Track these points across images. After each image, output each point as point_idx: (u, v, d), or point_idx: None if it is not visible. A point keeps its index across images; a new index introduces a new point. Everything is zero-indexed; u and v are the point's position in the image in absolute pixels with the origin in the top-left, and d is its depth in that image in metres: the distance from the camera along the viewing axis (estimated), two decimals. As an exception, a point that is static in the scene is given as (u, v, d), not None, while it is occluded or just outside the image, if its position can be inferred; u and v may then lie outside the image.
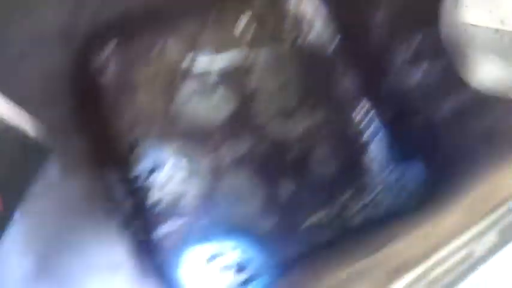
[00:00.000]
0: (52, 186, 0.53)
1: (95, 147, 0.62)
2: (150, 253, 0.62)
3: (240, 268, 0.66)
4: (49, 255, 0.51)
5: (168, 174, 0.67)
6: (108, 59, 0.67)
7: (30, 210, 0.49)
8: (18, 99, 0.42)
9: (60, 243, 0.53)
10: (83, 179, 0.58)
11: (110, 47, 0.67)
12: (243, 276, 0.66)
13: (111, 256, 0.56)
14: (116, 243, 0.58)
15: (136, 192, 0.65)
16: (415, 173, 0.71)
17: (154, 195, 0.65)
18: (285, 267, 0.66)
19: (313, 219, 0.71)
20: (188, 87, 0.70)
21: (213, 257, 0.66)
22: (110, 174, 0.63)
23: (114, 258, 0.56)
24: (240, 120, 0.71)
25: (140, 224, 0.63)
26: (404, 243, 0.57)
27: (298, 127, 0.72)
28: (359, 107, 0.75)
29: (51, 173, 0.54)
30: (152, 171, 0.66)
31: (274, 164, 0.71)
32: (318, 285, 0.61)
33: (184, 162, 0.67)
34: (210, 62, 0.71)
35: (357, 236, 0.73)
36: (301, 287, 0.61)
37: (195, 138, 0.68)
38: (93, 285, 0.54)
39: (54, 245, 0.52)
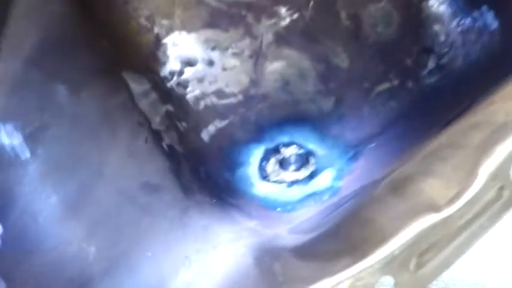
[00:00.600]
0: (62, 111, 0.46)
1: (111, 50, 0.53)
2: (196, 161, 0.54)
3: (301, 163, 0.58)
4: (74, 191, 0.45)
5: (201, 70, 0.58)
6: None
7: (42, 143, 0.43)
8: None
9: (81, 174, 0.46)
10: (99, 94, 0.50)
11: None
12: (305, 171, 0.58)
13: (148, 177, 0.49)
14: (149, 160, 0.50)
15: (168, 95, 0.56)
16: (485, 23, 0.58)
17: (189, 96, 0.57)
18: (355, 152, 0.58)
19: (378, 88, 0.61)
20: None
21: (268, 156, 0.58)
22: (135, 80, 0.55)
23: (152, 178, 0.49)
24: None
25: (179, 132, 0.55)
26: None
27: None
28: None
29: (60, 94, 0.46)
30: (182, 69, 0.57)
31: (322, 33, 0.60)
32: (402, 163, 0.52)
33: (216, 54, 0.58)
34: None
35: (438, 96, 0.62)
36: (380, 170, 0.52)
37: (224, 23, 0.58)
38: (129, 209, 0.47)
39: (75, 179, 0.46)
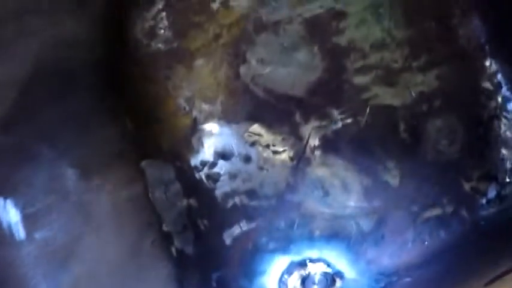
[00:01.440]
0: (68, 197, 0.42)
1: (135, 131, 0.48)
2: (209, 266, 0.49)
3: (326, 284, 0.52)
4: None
5: (236, 165, 0.53)
6: (157, 21, 0.52)
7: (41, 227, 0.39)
8: None
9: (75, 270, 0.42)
10: (111, 184, 0.45)
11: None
12: (331, 295, 0.52)
13: (148, 285, 0.45)
14: (153, 266, 0.46)
15: (195, 188, 0.51)
16: None
17: (218, 192, 0.52)
18: (387, 282, 0.52)
19: (428, 214, 0.54)
20: (259, 48, 0.53)
21: (291, 269, 0.52)
22: (156, 168, 0.50)
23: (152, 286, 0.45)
24: (329, 89, 0.53)
25: (197, 231, 0.50)
26: None
27: (405, 94, 0.54)
28: (487, 59, 0.55)
29: (69, 178, 0.42)
30: (216, 161, 0.52)
31: (376, 144, 0.54)
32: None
33: (255, 150, 0.52)
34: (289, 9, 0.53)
35: (494, 234, 0.55)
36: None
37: (269, 117, 0.53)
38: None
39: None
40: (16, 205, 0.42)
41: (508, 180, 0.56)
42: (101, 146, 0.45)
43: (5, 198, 0.42)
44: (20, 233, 0.42)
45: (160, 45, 0.53)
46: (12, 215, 0.42)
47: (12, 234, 0.42)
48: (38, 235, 0.42)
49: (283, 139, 0.52)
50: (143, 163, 0.48)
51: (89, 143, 0.45)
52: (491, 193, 0.55)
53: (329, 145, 0.53)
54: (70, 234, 0.42)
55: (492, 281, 0.47)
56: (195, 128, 0.52)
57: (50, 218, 0.42)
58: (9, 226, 0.42)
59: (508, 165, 0.56)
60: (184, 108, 0.52)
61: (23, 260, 0.41)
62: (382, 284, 0.52)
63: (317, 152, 0.53)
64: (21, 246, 0.41)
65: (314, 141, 0.53)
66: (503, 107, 0.56)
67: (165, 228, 0.47)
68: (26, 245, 0.42)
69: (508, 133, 0.56)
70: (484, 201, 0.55)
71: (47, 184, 0.43)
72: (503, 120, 0.56)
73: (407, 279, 0.52)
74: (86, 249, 0.43)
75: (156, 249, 0.46)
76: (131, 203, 0.45)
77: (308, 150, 0.53)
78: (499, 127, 0.56)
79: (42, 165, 0.43)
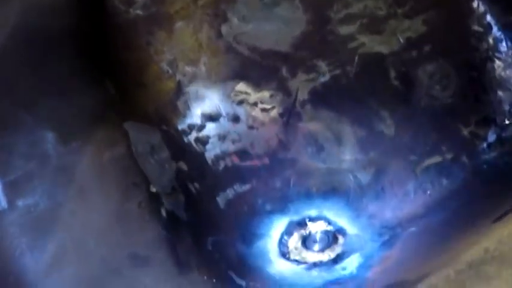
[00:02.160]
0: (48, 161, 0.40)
1: (117, 95, 0.47)
2: (204, 230, 0.47)
3: (328, 242, 0.50)
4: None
5: (225, 126, 0.51)
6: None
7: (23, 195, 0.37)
8: None
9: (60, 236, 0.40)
10: (92, 146, 0.43)
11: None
12: (331, 253, 0.50)
13: (137, 247, 0.43)
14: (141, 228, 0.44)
15: (183, 152, 0.50)
16: None
17: (208, 155, 0.50)
18: (391, 235, 0.50)
19: (427, 162, 0.52)
20: (239, 5, 0.52)
21: (291, 230, 0.50)
22: (141, 132, 0.48)
23: (141, 249, 0.43)
24: (314, 41, 0.52)
25: (189, 195, 0.48)
26: None
27: (393, 40, 0.52)
28: (474, 0, 0.54)
29: (49, 142, 0.40)
30: (203, 124, 0.51)
31: (367, 94, 0.52)
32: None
33: (243, 109, 0.51)
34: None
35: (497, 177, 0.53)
36: (415, 266, 0.44)
37: (255, 75, 0.51)
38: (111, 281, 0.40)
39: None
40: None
41: (507, 122, 0.54)
42: (82, 110, 0.44)
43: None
44: (2, 201, 0.40)
45: (138, 11, 0.52)
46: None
47: (-7, 204, 0.40)
48: (20, 203, 0.40)
49: (271, 96, 0.51)
50: (126, 124, 0.46)
51: (69, 108, 0.44)
52: (491, 137, 0.54)
53: (319, 98, 0.51)
54: (53, 200, 0.41)
55: (500, 218, 0.46)
56: (180, 91, 0.51)
57: (32, 185, 0.40)
58: (-10, 195, 0.41)
59: (506, 107, 0.54)
60: (168, 72, 0.51)
61: (6, 230, 0.40)
62: (386, 237, 0.51)
63: (307, 107, 0.51)
64: (4, 215, 0.40)
65: (303, 96, 0.51)
66: (495, 48, 0.54)
67: (152, 189, 0.45)
68: (8, 214, 0.40)
69: (502, 74, 0.54)
70: (484, 145, 0.54)
71: (27, 150, 0.41)
72: (497, 62, 0.55)
73: (413, 229, 0.50)
74: (70, 214, 0.41)
75: (144, 211, 0.44)
76: (115, 163, 0.44)
77: (298, 105, 0.51)
78: (493, 69, 0.54)
79: (22, 131, 0.42)
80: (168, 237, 0.44)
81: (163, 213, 0.45)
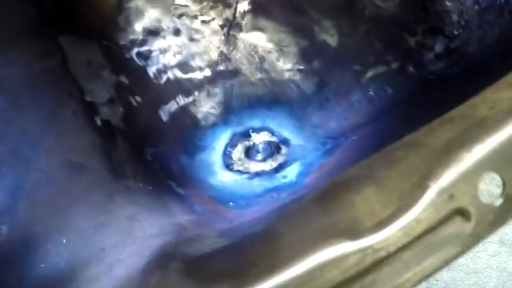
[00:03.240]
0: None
1: (53, 9, 0.47)
2: (144, 141, 0.48)
3: (271, 152, 0.50)
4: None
5: (166, 40, 0.51)
6: None
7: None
8: None
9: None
10: (26, 57, 0.44)
11: None
12: (273, 162, 0.50)
13: (71, 154, 0.43)
14: (75, 135, 0.44)
15: (125, 66, 0.50)
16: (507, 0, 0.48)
17: (150, 68, 0.51)
18: (334, 144, 0.50)
19: (372, 72, 0.52)
20: None
21: (235, 141, 0.51)
22: (79, 47, 0.48)
23: (75, 156, 0.43)
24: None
25: (129, 107, 0.49)
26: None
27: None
28: None
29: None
30: (145, 38, 0.51)
31: (308, 2, 0.52)
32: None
33: (184, 22, 0.51)
34: None
35: (444, 87, 0.53)
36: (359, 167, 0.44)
37: (195, -14, 0.51)
38: (45, 188, 0.41)
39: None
40: None
41: (456, 33, 0.53)
42: (14, 22, 0.44)
43: None
44: None
45: None
46: None
47: None
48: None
49: (211, 7, 0.51)
50: (61, 38, 0.46)
51: (4, 20, 0.44)
52: (439, 47, 0.53)
53: (259, 8, 0.51)
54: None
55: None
56: (120, 6, 0.51)
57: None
58: None
59: (455, 17, 0.53)
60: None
61: None
62: (329, 146, 0.51)
63: (248, 17, 0.51)
64: None
65: (243, 6, 0.51)
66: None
67: (87, 98, 0.46)
68: None
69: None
70: (431, 55, 0.53)
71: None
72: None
73: (354, 137, 0.50)
74: (5, 123, 0.42)
75: (79, 119, 0.44)
76: (47, 74, 0.44)
77: (238, 15, 0.51)
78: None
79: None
80: (103, 144, 0.44)
81: (99, 121, 0.46)
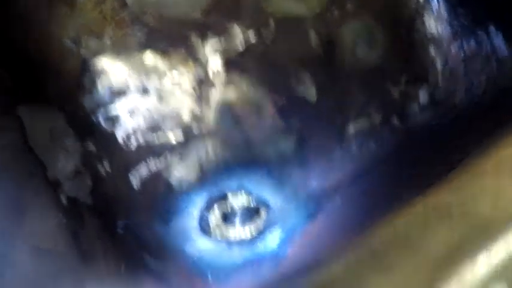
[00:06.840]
0: None
1: (9, 79, 0.44)
2: (114, 214, 0.45)
3: (249, 216, 0.47)
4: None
5: (134, 101, 0.48)
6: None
7: None
8: None
9: None
10: None
11: None
12: (252, 228, 0.47)
13: (38, 240, 0.40)
14: (40, 219, 0.41)
15: (91, 132, 0.47)
16: (493, 48, 0.46)
17: (118, 132, 0.48)
18: (316, 207, 0.47)
19: (354, 126, 0.49)
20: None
21: (211, 205, 0.47)
22: (40, 117, 0.45)
23: (43, 242, 0.40)
24: (225, 5, 0.49)
25: (97, 177, 0.45)
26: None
27: (312, 0, 0.49)
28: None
29: None
30: (112, 100, 0.48)
31: (286, 58, 0.49)
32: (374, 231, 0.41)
33: (152, 81, 0.48)
34: None
35: (428, 142, 0.51)
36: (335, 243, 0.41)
37: (163, 45, 0.48)
38: (13, 278, 0.38)
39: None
40: None
41: (441, 82, 0.51)
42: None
43: None
44: None
45: (37, -14, 0.49)
46: None
47: None
48: None
49: (180, 65, 0.48)
50: (20, 109, 0.43)
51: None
52: (423, 97, 0.51)
53: (233, 65, 0.48)
54: None
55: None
56: (85, 67, 0.48)
57: None
58: None
59: (439, 65, 0.51)
60: (71, 49, 0.48)
61: None
62: (311, 210, 0.48)
63: (221, 75, 0.48)
64: None
65: (216, 64, 0.48)
66: (425, 5, 0.51)
67: (50, 175, 0.43)
68: None
69: (434, 32, 0.51)
70: (416, 107, 0.50)
71: None
72: (427, 19, 0.51)
73: (337, 200, 0.47)
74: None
75: (43, 200, 0.41)
76: (5, 152, 0.41)
77: (210, 73, 0.48)
78: (424, 26, 0.51)
79: None
80: (70, 225, 0.41)
81: (64, 200, 0.42)
